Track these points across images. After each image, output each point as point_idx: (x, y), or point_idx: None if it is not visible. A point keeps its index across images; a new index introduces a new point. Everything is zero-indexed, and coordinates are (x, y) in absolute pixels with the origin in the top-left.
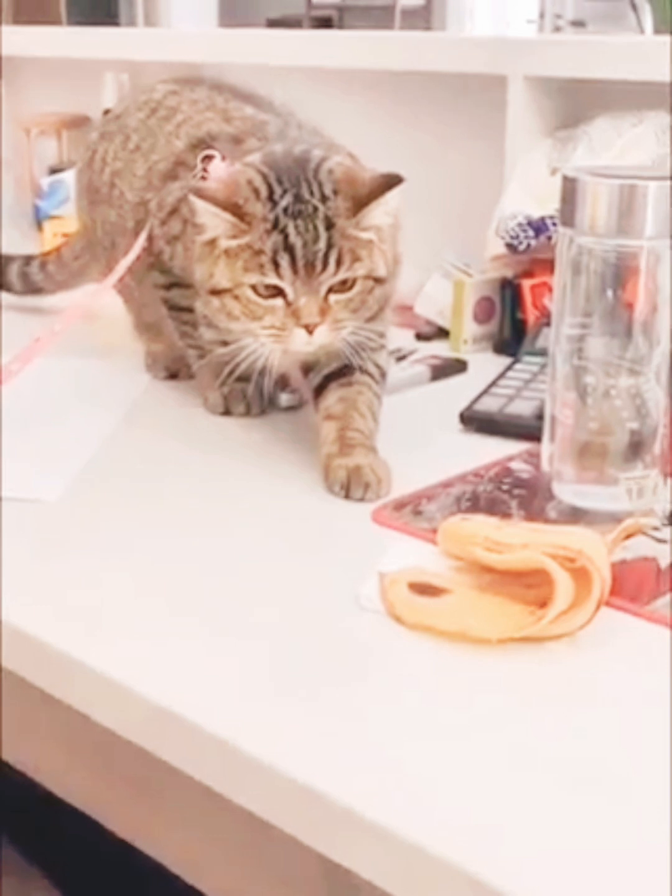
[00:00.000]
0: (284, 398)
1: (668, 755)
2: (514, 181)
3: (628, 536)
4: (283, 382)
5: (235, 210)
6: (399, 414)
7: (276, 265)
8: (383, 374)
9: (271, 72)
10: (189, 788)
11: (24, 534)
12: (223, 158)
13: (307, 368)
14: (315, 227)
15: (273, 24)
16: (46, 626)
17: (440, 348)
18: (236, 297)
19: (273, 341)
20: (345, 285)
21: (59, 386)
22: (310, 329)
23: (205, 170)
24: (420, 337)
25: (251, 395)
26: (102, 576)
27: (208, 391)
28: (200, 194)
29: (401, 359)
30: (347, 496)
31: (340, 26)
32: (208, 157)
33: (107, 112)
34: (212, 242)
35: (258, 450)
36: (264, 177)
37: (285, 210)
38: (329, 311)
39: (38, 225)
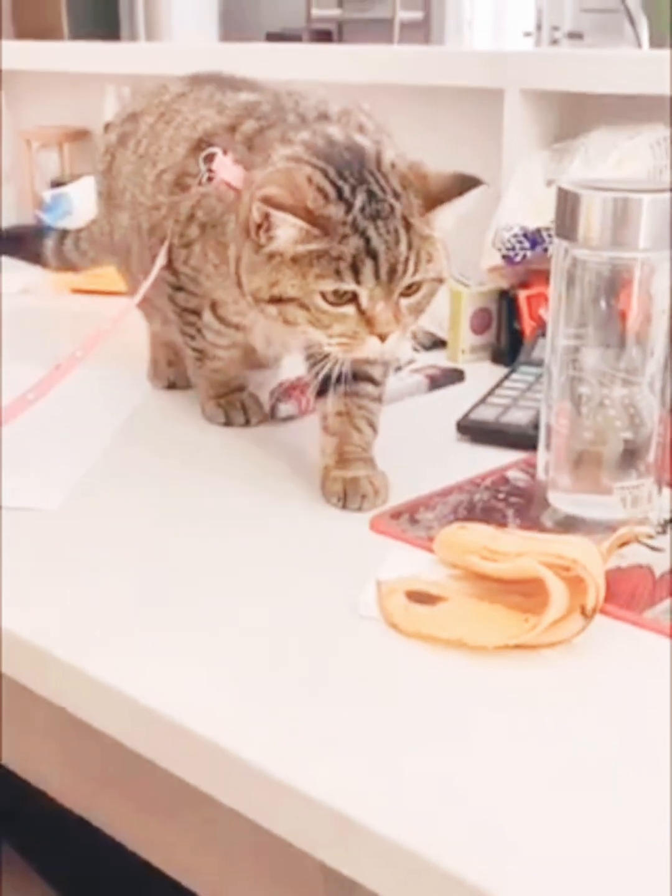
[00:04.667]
0: (283, 408)
1: (667, 761)
2: (510, 193)
3: (623, 545)
4: (281, 392)
5: (308, 216)
6: (397, 423)
7: (357, 272)
8: (384, 374)
9: (271, 85)
10: (188, 794)
11: (25, 542)
12: (224, 152)
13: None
14: (396, 230)
15: (273, 37)
16: (46, 634)
17: (438, 358)
18: (304, 306)
19: (342, 351)
20: (412, 288)
21: (59, 395)
22: (383, 337)
23: (210, 170)
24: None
25: (250, 406)
26: (102, 584)
27: (207, 401)
28: (270, 202)
29: (399, 368)
30: (344, 507)
31: (340, 40)
32: (210, 157)
33: (107, 122)
34: (273, 253)
35: (257, 459)
36: (324, 173)
37: (362, 211)
38: (402, 317)
39: None
